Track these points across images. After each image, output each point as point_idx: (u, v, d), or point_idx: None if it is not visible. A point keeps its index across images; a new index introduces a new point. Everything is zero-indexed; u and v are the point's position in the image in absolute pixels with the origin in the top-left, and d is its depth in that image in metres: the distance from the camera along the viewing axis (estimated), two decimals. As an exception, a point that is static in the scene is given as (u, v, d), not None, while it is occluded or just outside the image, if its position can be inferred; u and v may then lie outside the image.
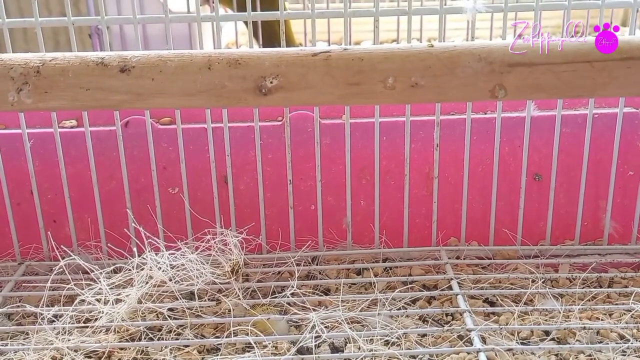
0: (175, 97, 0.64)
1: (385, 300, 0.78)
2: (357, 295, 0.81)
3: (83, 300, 0.74)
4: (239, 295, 0.79)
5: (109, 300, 0.74)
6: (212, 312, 0.79)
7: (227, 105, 0.76)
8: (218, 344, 0.73)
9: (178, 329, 0.75)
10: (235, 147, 0.86)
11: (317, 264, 0.88)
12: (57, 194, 0.87)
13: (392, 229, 0.90)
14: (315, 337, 0.71)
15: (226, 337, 0.73)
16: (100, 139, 0.86)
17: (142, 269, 0.75)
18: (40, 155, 0.86)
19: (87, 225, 0.89)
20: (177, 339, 0.74)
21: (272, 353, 0.71)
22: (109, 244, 0.88)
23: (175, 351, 0.72)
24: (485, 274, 0.85)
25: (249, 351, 0.72)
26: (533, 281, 0.82)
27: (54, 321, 0.75)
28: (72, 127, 0.87)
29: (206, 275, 0.77)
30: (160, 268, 0.75)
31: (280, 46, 0.78)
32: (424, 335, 0.74)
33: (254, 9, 1.09)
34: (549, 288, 0.81)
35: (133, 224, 0.85)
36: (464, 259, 0.89)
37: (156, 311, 0.78)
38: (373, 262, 0.89)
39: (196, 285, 0.77)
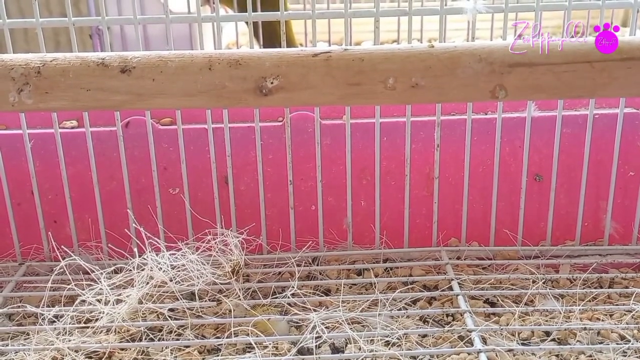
0: (175, 98, 0.64)
1: (386, 301, 0.78)
2: (358, 296, 0.81)
3: (84, 301, 0.74)
4: (239, 296, 0.79)
5: (109, 301, 0.74)
6: (213, 312, 0.79)
7: (227, 106, 0.76)
8: (219, 345, 0.73)
9: (179, 329, 0.75)
10: (235, 147, 0.86)
11: (317, 265, 0.88)
12: (58, 195, 0.87)
13: (392, 230, 0.90)
14: (316, 338, 0.71)
15: (227, 338, 0.73)
16: (101, 139, 0.86)
17: (142, 270, 0.76)
18: (41, 155, 0.86)
19: (87, 225, 0.89)
20: (177, 340, 0.74)
21: (272, 353, 0.71)
22: (109, 245, 0.88)
23: (175, 352, 0.72)
24: (485, 275, 0.85)
25: (249, 351, 0.72)
26: (534, 282, 0.82)
27: (54, 321, 0.75)
28: (72, 128, 0.87)
29: (207, 276, 0.77)
30: (161, 268, 0.75)
31: (280, 46, 0.78)
32: (424, 336, 0.74)
33: (254, 9, 1.09)
34: (549, 288, 0.81)
35: (134, 225, 0.85)
36: (464, 259, 0.89)
37: (157, 311, 0.78)
38: (373, 263, 0.89)
39: (197, 285, 0.77)
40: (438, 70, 0.62)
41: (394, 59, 0.63)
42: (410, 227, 0.89)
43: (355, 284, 0.85)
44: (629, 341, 0.72)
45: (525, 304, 0.79)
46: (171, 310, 0.77)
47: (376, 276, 0.86)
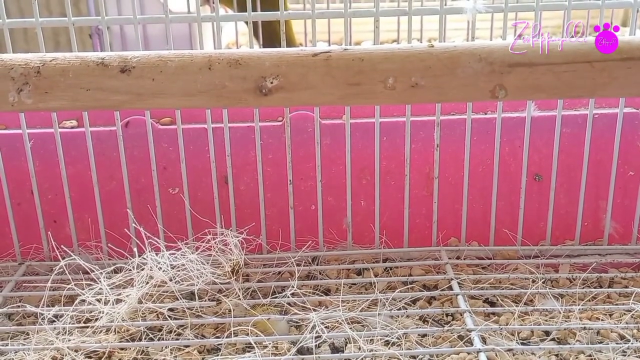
0: (175, 98, 0.64)
1: (386, 301, 0.78)
2: (358, 296, 0.81)
3: (83, 301, 0.74)
4: (239, 296, 0.79)
5: (109, 301, 0.74)
6: (213, 312, 0.79)
7: (227, 106, 0.76)
8: (218, 344, 0.73)
9: (178, 329, 0.75)
10: (235, 147, 0.86)
11: (317, 264, 0.88)
12: (58, 194, 0.87)
13: (392, 229, 0.90)
14: (316, 337, 0.71)
15: (226, 337, 0.73)
16: (101, 139, 0.86)
17: (142, 269, 0.76)
18: (41, 155, 0.86)
19: (87, 225, 0.89)
20: (177, 339, 0.74)
21: (272, 353, 0.71)
22: (109, 244, 0.88)
23: (175, 351, 0.72)
24: (485, 274, 0.86)
25: (249, 351, 0.72)
26: (533, 281, 0.82)
27: (54, 321, 0.75)
28: (72, 128, 0.87)
29: (206, 276, 0.77)
30: (161, 268, 0.75)
31: (280, 46, 0.78)
32: (424, 336, 0.74)
33: (254, 9, 1.09)
34: (549, 288, 0.81)
35: (133, 224, 0.85)
36: (464, 259, 0.89)
37: (156, 311, 0.78)
38: (373, 262, 0.89)
39: (196, 285, 0.77)
40: (438, 70, 0.63)
41: (394, 59, 0.63)
42: (410, 226, 0.89)
43: (355, 284, 0.85)
44: (629, 341, 0.72)
45: (525, 303, 0.79)
46: (171, 310, 0.77)
47: (376, 276, 0.86)
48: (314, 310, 0.77)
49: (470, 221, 0.89)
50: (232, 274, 0.80)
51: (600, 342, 0.73)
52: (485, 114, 0.87)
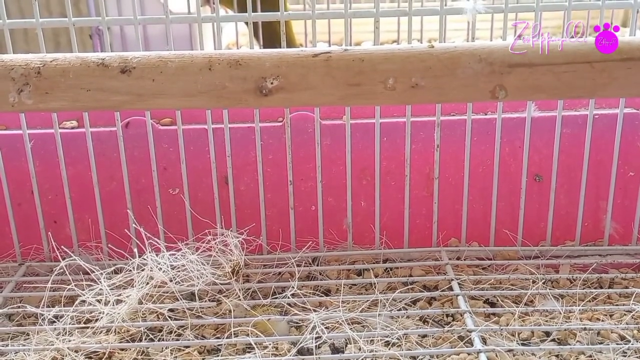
0: (175, 98, 0.64)
1: (386, 301, 0.78)
2: (358, 296, 0.81)
3: (84, 301, 0.74)
4: (239, 296, 0.79)
5: (109, 301, 0.74)
6: (213, 312, 0.79)
7: (227, 106, 0.76)
8: (218, 345, 0.73)
9: (178, 329, 0.75)
10: (235, 147, 0.86)
11: (317, 265, 0.88)
12: (58, 195, 0.87)
13: (392, 230, 0.90)
14: (316, 338, 0.71)
15: (227, 338, 0.73)
16: (101, 139, 0.86)
17: (142, 270, 0.76)
18: (41, 155, 0.86)
19: (87, 225, 0.89)
20: (177, 340, 0.74)
21: (272, 354, 0.71)
22: (109, 245, 0.88)
23: (175, 352, 0.72)
24: (485, 275, 0.86)
25: (249, 352, 0.72)
26: (533, 282, 0.82)
27: (54, 322, 0.75)
28: (72, 128, 0.87)
29: (207, 276, 0.77)
30: (161, 269, 0.75)
31: (281, 47, 0.78)
32: (424, 336, 0.74)
33: (254, 9, 1.09)
34: (549, 289, 0.81)
35: (133, 225, 0.85)
36: (464, 259, 0.89)
37: (157, 312, 0.78)
38: (373, 263, 0.89)
39: (197, 286, 0.77)
40: (438, 70, 0.63)
41: (394, 59, 0.63)
42: (410, 227, 0.89)
43: (355, 284, 0.85)
44: (629, 341, 0.72)
45: (525, 304, 0.79)
46: (171, 310, 0.77)
47: (376, 276, 0.86)
48: (314, 310, 0.77)
49: (471, 222, 0.89)
50: (232, 275, 0.80)
51: (601, 343, 0.73)
52: (486, 114, 0.87)
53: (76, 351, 0.71)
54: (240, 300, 0.79)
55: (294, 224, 0.89)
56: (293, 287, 0.79)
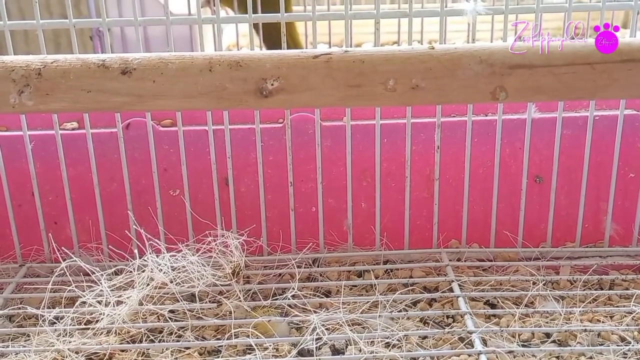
0: (176, 99, 0.64)
1: (386, 302, 0.78)
2: (358, 297, 0.81)
3: (84, 302, 0.74)
4: (239, 297, 0.79)
5: (110, 302, 0.74)
6: (213, 314, 0.79)
7: (228, 107, 0.76)
8: (219, 346, 0.73)
9: (179, 330, 0.75)
10: (236, 149, 0.86)
11: (318, 266, 0.88)
12: (58, 196, 0.87)
13: (393, 231, 0.90)
14: (316, 339, 0.71)
15: (227, 339, 0.73)
16: (102, 140, 0.86)
17: (143, 271, 0.76)
18: (42, 157, 0.86)
19: (88, 227, 0.89)
20: (178, 341, 0.74)
21: (273, 355, 0.71)
22: (110, 246, 0.88)
23: (176, 353, 0.72)
24: (486, 276, 0.85)
25: (249, 353, 0.72)
26: (534, 283, 0.82)
27: (55, 323, 0.75)
28: (73, 129, 0.87)
29: (207, 277, 0.77)
30: (161, 270, 0.75)
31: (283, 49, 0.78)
32: (424, 338, 0.74)
33: (254, 10, 1.09)
34: (549, 290, 0.81)
35: (134, 226, 0.85)
36: (464, 261, 0.89)
37: (157, 313, 0.78)
38: (374, 264, 0.89)
39: (197, 287, 0.77)
40: (438, 71, 0.63)
41: (395, 61, 0.63)
42: (410, 228, 0.89)
43: (355, 286, 0.85)
44: (629, 343, 0.71)
45: (526, 305, 0.79)
46: (171, 311, 0.77)
47: (376, 278, 0.86)
48: (315, 312, 0.77)
49: (471, 223, 0.89)
50: (232, 276, 0.80)
51: (601, 344, 0.73)
52: (486, 115, 0.87)
53: (76, 352, 0.71)
54: (240, 301, 0.79)
55: (295, 225, 0.89)
56: (293, 289, 0.79)
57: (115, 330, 0.75)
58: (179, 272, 0.76)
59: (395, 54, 0.63)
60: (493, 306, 0.81)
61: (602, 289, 0.84)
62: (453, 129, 0.87)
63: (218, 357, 0.72)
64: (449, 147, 0.87)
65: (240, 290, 0.80)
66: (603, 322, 0.76)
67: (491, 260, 0.89)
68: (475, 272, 0.88)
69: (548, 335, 0.75)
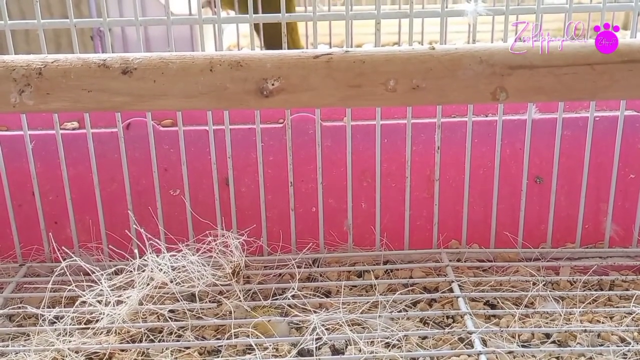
0: (176, 99, 0.64)
1: (386, 303, 0.78)
2: (358, 298, 0.81)
3: (84, 302, 0.74)
4: (239, 297, 0.79)
5: (110, 302, 0.74)
6: (213, 313, 0.79)
7: (228, 107, 0.76)
8: (219, 346, 0.73)
9: (179, 330, 0.75)
10: (236, 149, 0.86)
11: (318, 266, 0.88)
12: (59, 196, 0.87)
13: (393, 232, 0.90)
14: (316, 339, 0.71)
15: (227, 339, 0.73)
16: (102, 140, 0.86)
17: (143, 271, 0.76)
18: (42, 156, 0.86)
19: (88, 226, 0.89)
20: (178, 341, 0.74)
21: (272, 355, 0.71)
22: (110, 246, 0.88)
23: (176, 353, 0.72)
24: (486, 277, 0.85)
25: (249, 353, 0.72)
26: (534, 284, 0.82)
27: (55, 322, 0.75)
28: (73, 129, 0.87)
29: (207, 277, 0.77)
30: (161, 270, 0.75)
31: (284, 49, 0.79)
32: (424, 338, 0.74)
33: (255, 11, 1.09)
34: (549, 291, 0.81)
35: (134, 226, 0.85)
36: (464, 261, 0.89)
37: (157, 313, 0.78)
38: (374, 265, 0.89)
39: (197, 287, 0.77)
40: (439, 72, 0.63)
41: (395, 61, 0.63)
42: (410, 229, 0.89)
43: (355, 286, 0.85)
44: (629, 344, 0.71)
45: (526, 306, 0.79)
46: (171, 311, 0.77)
47: (376, 278, 0.86)
48: (315, 312, 0.77)
49: (471, 223, 0.89)
50: (232, 276, 0.80)
51: (601, 345, 0.73)
52: (486, 116, 0.87)
53: (76, 352, 0.71)
54: (240, 301, 0.79)
55: (295, 225, 0.89)
56: (293, 289, 0.79)
57: (115, 330, 0.75)
58: (179, 272, 0.76)
59: (395, 55, 0.63)
60: (493, 306, 0.81)
61: (602, 290, 0.84)
62: (453, 130, 0.87)
63: (218, 357, 0.72)
64: (449, 148, 0.87)
65: (240, 290, 0.80)
66: (603, 322, 0.76)
67: (491, 261, 0.89)
68: (475, 272, 0.88)
69: (548, 335, 0.75)
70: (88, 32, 1.43)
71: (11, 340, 0.75)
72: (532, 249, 0.90)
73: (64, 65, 0.63)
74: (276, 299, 0.81)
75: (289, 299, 0.79)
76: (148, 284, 0.75)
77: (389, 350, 0.71)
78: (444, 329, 0.75)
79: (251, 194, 0.88)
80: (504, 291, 0.82)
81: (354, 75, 0.63)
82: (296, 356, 0.70)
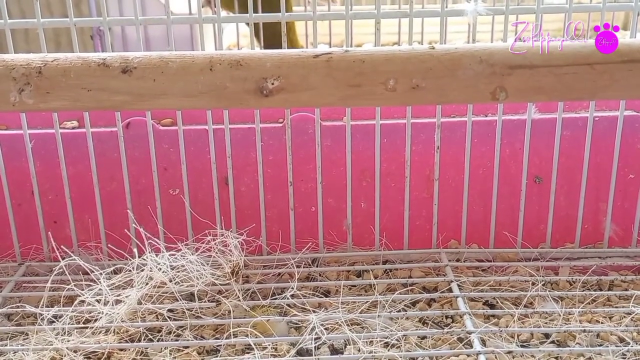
0: (176, 98, 0.64)
1: (385, 302, 0.78)
2: (357, 297, 0.81)
3: (83, 301, 0.74)
4: (239, 297, 0.79)
5: (108, 301, 0.74)
6: (212, 313, 0.79)
7: (228, 107, 0.76)
8: (218, 345, 0.73)
9: (178, 330, 0.75)
10: (236, 148, 0.86)
11: (317, 266, 0.88)
12: (58, 195, 0.87)
13: (392, 231, 0.90)
14: (315, 339, 0.71)
15: (226, 339, 0.73)
16: (102, 139, 0.86)
17: (142, 270, 0.75)
18: (42, 155, 0.86)
19: (87, 226, 0.89)
20: (176, 340, 0.74)
21: (271, 354, 0.71)
22: (109, 245, 0.88)
23: (174, 352, 0.72)
24: (485, 277, 0.85)
25: (248, 352, 0.72)
26: (533, 284, 0.82)
27: (53, 322, 0.75)
28: (73, 128, 0.87)
29: (206, 277, 0.77)
30: (161, 269, 0.75)
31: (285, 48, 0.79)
32: (423, 338, 0.74)
33: (254, 11, 1.09)
34: (549, 291, 0.81)
35: (133, 225, 0.85)
36: (464, 261, 0.89)
37: (156, 312, 0.78)
38: (373, 264, 0.89)
39: (196, 286, 0.77)
40: (439, 71, 0.63)
41: (395, 61, 0.63)
42: (410, 228, 0.89)
43: (354, 286, 0.85)
44: (628, 344, 0.71)
45: (525, 306, 0.79)
46: (170, 310, 0.77)
47: (376, 278, 0.86)
48: (314, 311, 0.77)
49: (471, 223, 0.89)
50: (232, 275, 0.80)
51: (600, 345, 0.73)
52: (486, 116, 0.87)
53: (75, 351, 0.71)
54: (239, 300, 0.79)
55: (294, 224, 0.89)
56: (292, 288, 0.79)
57: (114, 329, 0.75)
58: (178, 272, 0.76)
59: (395, 54, 0.63)
60: (492, 306, 0.81)
61: (601, 290, 0.84)
62: (453, 129, 0.87)
63: (217, 356, 0.72)
64: (449, 148, 0.87)
65: (239, 290, 0.80)
66: (602, 322, 0.76)
67: (490, 261, 0.89)
68: (474, 272, 0.88)
69: (547, 335, 0.75)
70: (88, 32, 1.43)
71: (10, 339, 0.75)
72: (531, 249, 0.90)
73: (63, 64, 0.63)
74: (275, 299, 0.81)
75: (288, 298, 0.79)
76: (147, 284, 0.75)
77: (388, 350, 0.71)
78: (443, 328, 0.75)
79: (251, 193, 0.88)
80: (503, 291, 0.82)
81: (354, 75, 0.63)
82: (295, 356, 0.70)
